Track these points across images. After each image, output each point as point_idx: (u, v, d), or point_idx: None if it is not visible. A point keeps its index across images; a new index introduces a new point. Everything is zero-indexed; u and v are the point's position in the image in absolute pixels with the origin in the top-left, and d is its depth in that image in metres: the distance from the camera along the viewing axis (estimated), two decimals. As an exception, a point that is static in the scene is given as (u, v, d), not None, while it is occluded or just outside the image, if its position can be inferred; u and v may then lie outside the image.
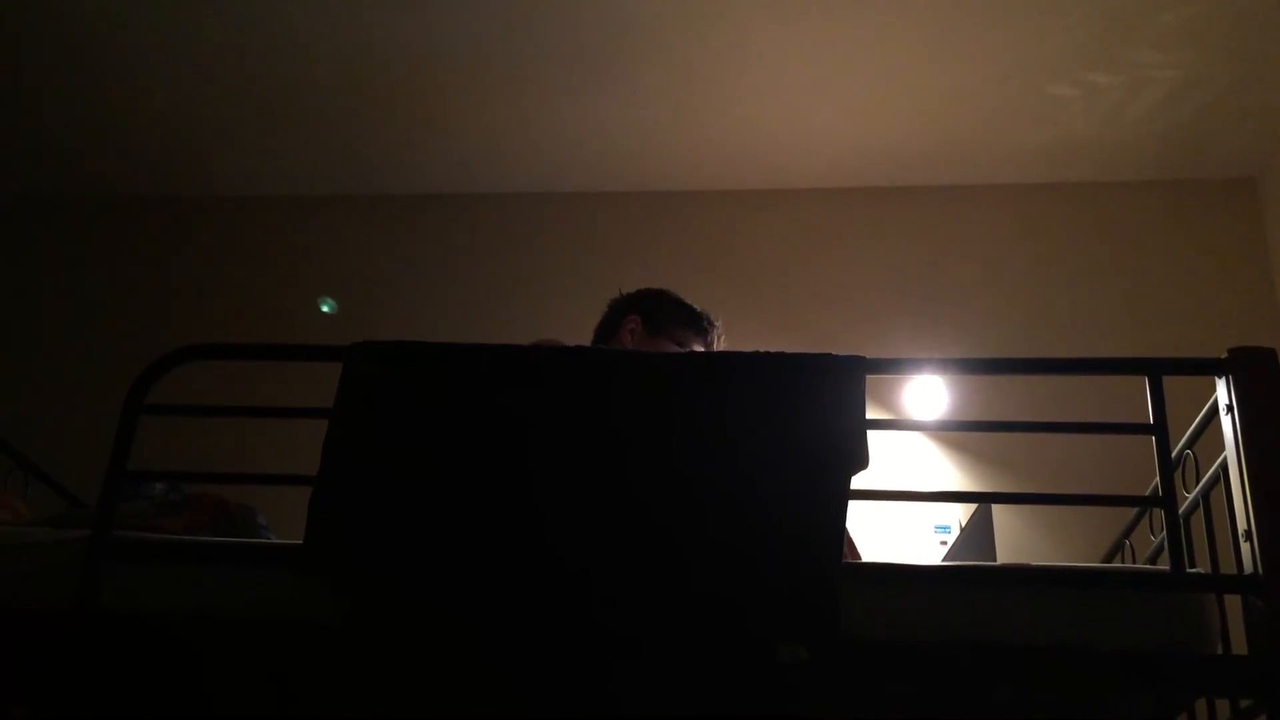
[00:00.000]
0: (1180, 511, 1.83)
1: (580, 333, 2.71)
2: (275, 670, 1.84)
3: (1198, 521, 1.99)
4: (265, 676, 1.86)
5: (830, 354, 1.81)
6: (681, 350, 2.57)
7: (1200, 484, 1.98)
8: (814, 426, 1.74)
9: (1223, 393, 1.80)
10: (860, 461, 1.73)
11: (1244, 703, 1.77)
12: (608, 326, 2.69)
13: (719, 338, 2.65)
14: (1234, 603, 1.76)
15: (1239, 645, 1.76)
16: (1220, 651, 1.78)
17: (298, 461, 1.88)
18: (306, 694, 1.91)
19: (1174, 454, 1.89)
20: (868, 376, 1.80)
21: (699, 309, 2.66)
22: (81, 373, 4.00)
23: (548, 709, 1.82)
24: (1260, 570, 1.66)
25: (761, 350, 1.83)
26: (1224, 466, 1.80)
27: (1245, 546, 1.70)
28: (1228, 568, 1.78)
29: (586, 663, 1.72)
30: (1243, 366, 1.78)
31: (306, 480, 1.77)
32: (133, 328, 4.10)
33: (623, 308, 2.69)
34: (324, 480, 1.75)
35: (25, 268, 4.35)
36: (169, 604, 1.78)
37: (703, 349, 2.61)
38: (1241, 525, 1.72)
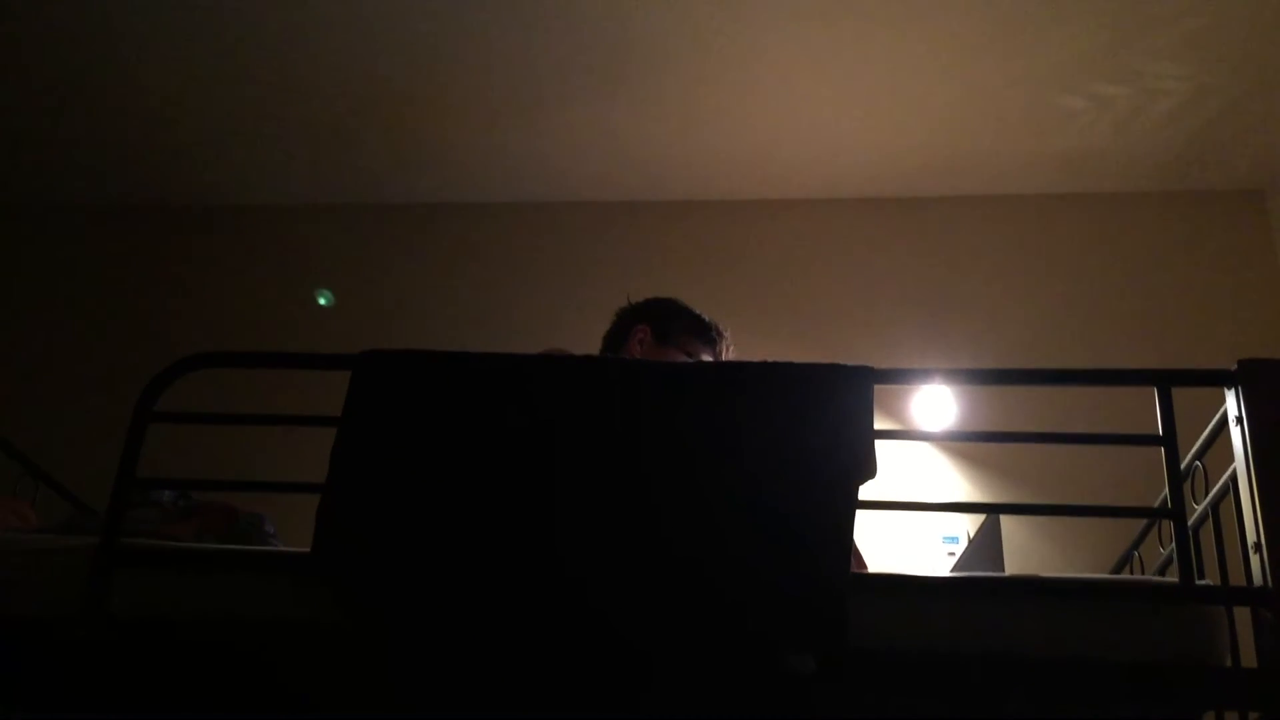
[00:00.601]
0: (1190, 523, 1.83)
1: (588, 342, 2.71)
2: (283, 677, 1.84)
3: (1207, 533, 1.99)
4: (273, 683, 1.86)
5: (838, 364, 1.81)
6: (690, 360, 2.56)
7: (1210, 496, 1.97)
8: (822, 436, 1.74)
9: (1232, 404, 1.80)
10: (868, 471, 1.73)
11: (1252, 716, 1.76)
12: (616, 336, 2.68)
13: (727, 348, 2.65)
14: (1243, 615, 1.76)
15: (1248, 658, 1.76)
16: (1229, 664, 1.77)
17: (306, 470, 1.88)
18: (313, 700, 1.90)
19: (1183, 465, 1.88)
20: (876, 386, 1.80)
21: (708, 319, 2.66)
22: (90, 380, 4.01)
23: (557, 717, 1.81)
24: (1270, 583, 1.66)
25: (770, 360, 1.83)
26: (1233, 478, 1.80)
27: (1255, 559, 1.70)
28: (1237, 580, 1.77)
29: (597, 672, 1.72)
30: (1252, 378, 1.78)
31: (314, 488, 1.77)
32: (142, 335, 4.11)
33: (631, 317, 2.68)
34: (332, 488, 1.76)
35: (35, 275, 4.36)
36: (177, 611, 1.78)
37: (711, 359, 2.61)
38: (1251, 537, 1.71)
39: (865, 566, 2.34)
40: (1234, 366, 1.80)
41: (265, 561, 1.85)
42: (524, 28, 3.56)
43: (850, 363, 1.82)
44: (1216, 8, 3.35)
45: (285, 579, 1.78)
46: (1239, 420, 1.77)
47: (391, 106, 3.92)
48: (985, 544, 2.63)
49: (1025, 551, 3.45)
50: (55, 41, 3.71)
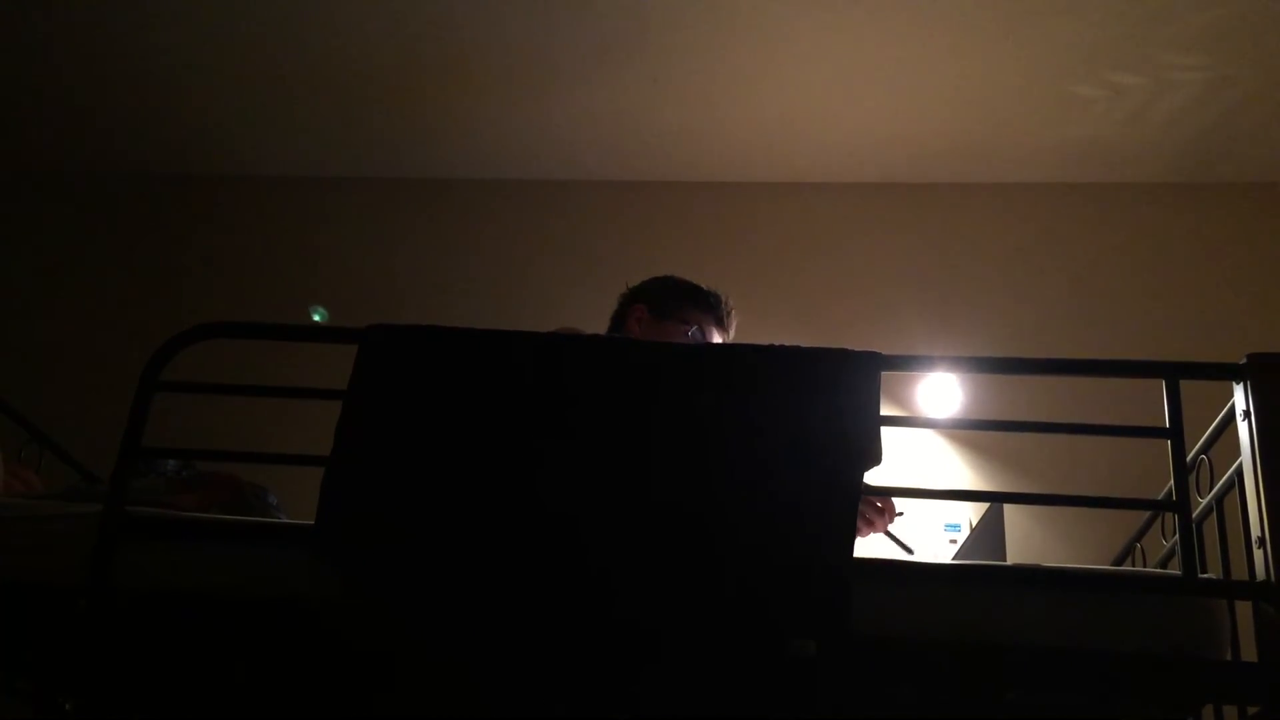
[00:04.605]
0: (1193, 516, 1.82)
1: (596, 322, 2.71)
2: (282, 649, 1.84)
3: (1211, 527, 1.99)
4: (272, 655, 1.86)
5: (847, 349, 1.81)
6: (690, 328, 2.56)
7: (1215, 489, 1.97)
8: (828, 421, 1.74)
9: (1240, 398, 1.79)
10: (873, 457, 1.73)
11: (1252, 710, 1.76)
12: (617, 317, 2.69)
13: (730, 313, 2.63)
14: (1245, 609, 1.76)
15: (1248, 652, 1.76)
16: (1229, 658, 1.77)
17: (311, 443, 1.88)
18: (313, 673, 1.91)
19: (1189, 458, 1.88)
20: (883, 372, 1.79)
21: (705, 286, 2.64)
22: (97, 348, 4.01)
23: (557, 701, 1.82)
24: (1273, 578, 1.66)
25: (777, 344, 1.82)
26: (1239, 472, 1.79)
27: (1258, 553, 1.70)
28: (1239, 574, 1.77)
29: (601, 657, 1.72)
30: (1261, 372, 1.77)
31: (319, 461, 1.77)
32: (149, 305, 4.11)
33: (630, 298, 2.69)
34: (337, 461, 1.76)
35: (44, 243, 4.36)
36: (179, 581, 1.78)
37: (714, 324, 2.60)
38: (1255, 532, 1.71)
39: (894, 510, 2.33)
40: (1243, 360, 1.80)
41: (269, 532, 1.86)
42: (540, 4, 3.54)
43: (858, 348, 1.81)
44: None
45: (288, 550, 1.78)
46: (1247, 414, 1.77)
47: (405, 81, 3.91)
48: (987, 533, 2.63)
49: (1027, 541, 3.45)
50: (72, 12, 3.70)
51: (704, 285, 2.65)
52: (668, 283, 2.68)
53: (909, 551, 2.40)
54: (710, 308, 2.62)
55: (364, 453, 1.76)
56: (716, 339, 2.61)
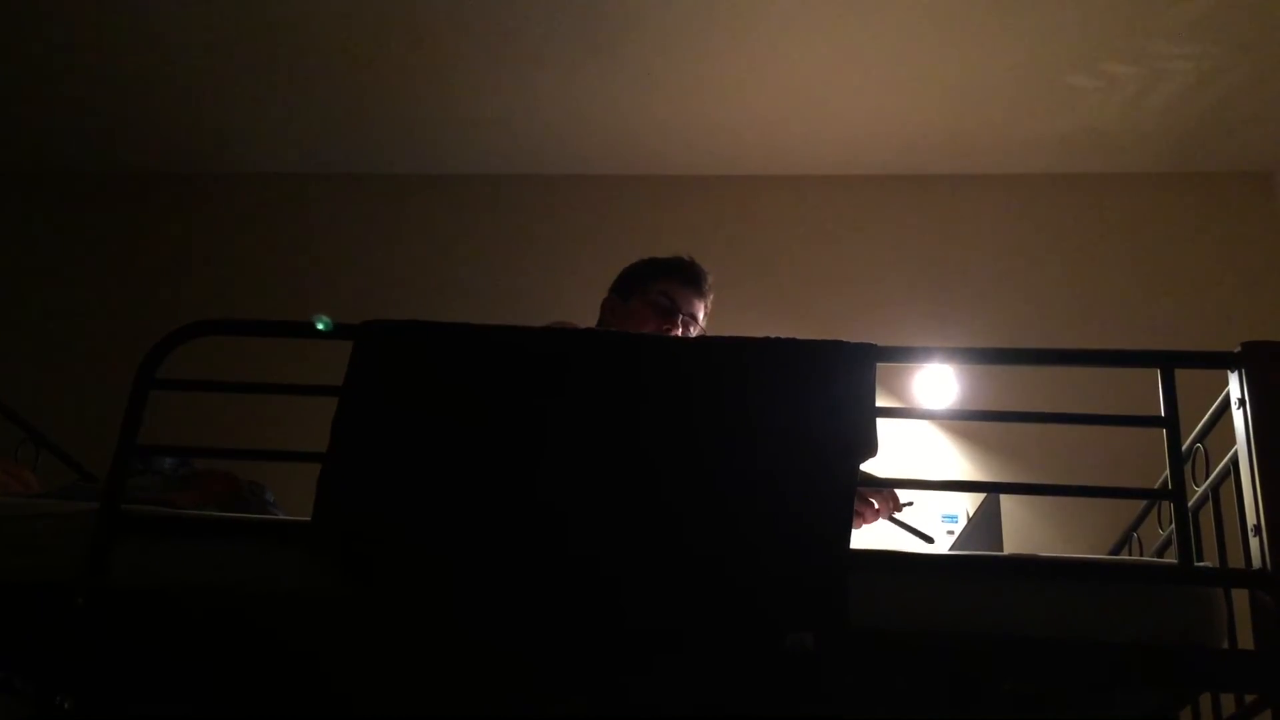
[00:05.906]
0: (1189, 505, 1.83)
1: (590, 316, 2.71)
2: (281, 646, 1.84)
3: (1207, 515, 1.99)
4: (271, 652, 1.86)
5: (841, 341, 1.81)
6: (652, 296, 2.55)
7: (1210, 478, 1.97)
8: (824, 413, 1.74)
9: (1235, 386, 1.80)
10: (869, 449, 1.73)
11: (1249, 698, 1.76)
12: (600, 315, 2.70)
13: (701, 272, 2.60)
14: (1241, 598, 1.76)
15: (1245, 640, 1.76)
16: (1226, 646, 1.78)
17: (307, 439, 1.88)
18: (312, 669, 1.91)
19: (1184, 447, 1.88)
20: (878, 364, 1.80)
21: (670, 256, 2.62)
22: (93, 346, 4.01)
23: (557, 700, 1.82)
24: (1269, 566, 1.66)
25: (772, 336, 1.82)
26: (1234, 461, 1.80)
27: (1254, 541, 1.70)
28: (1236, 562, 1.78)
29: (599, 655, 1.72)
30: (1255, 360, 1.78)
31: (316, 457, 1.77)
32: (145, 303, 4.11)
33: (607, 293, 2.69)
34: (333, 458, 1.76)
35: (39, 241, 4.35)
36: (176, 578, 1.78)
37: (680, 283, 2.58)
38: (1251, 520, 1.71)
39: (897, 502, 2.34)
40: (1237, 349, 1.80)
41: (266, 529, 1.86)
42: (530, -2, 3.54)
43: (853, 340, 1.81)
44: (1228, -12, 3.33)
45: (286, 547, 1.78)
46: (1241, 402, 1.77)
47: (394, 76, 3.90)
48: (984, 523, 2.63)
49: (1024, 531, 3.46)
50: (58, 9, 3.69)
51: (670, 256, 2.63)
52: (631, 266, 2.68)
53: (928, 540, 2.39)
54: (672, 271, 2.59)
55: (360, 449, 1.76)
56: (694, 302, 2.58)
